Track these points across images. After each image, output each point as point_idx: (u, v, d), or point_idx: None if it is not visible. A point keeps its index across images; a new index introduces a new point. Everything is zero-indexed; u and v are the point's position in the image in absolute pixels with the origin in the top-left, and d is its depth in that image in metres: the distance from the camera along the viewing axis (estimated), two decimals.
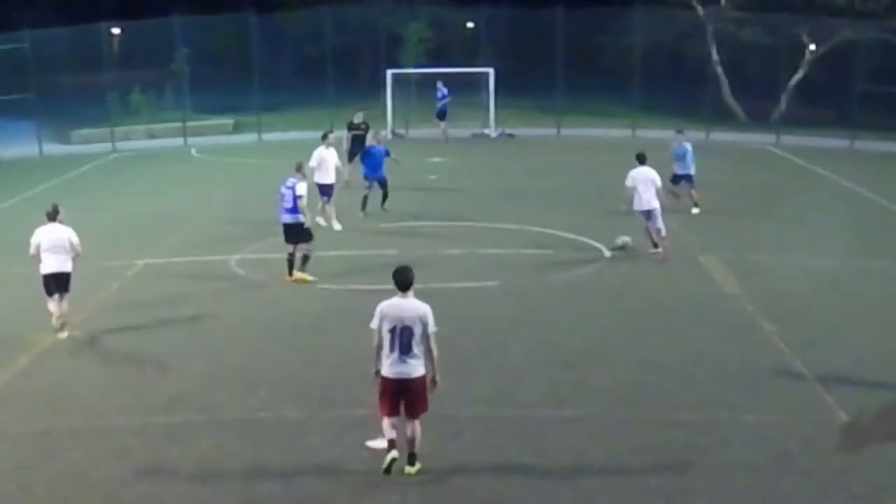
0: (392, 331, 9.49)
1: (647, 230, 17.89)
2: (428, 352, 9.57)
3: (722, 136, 35.73)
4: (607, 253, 18.28)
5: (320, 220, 20.17)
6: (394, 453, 9.62)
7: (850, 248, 18.79)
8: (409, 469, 9.69)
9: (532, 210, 22.00)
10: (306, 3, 41.95)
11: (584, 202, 22.29)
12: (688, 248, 18.80)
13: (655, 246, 17.86)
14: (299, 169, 16.76)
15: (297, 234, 16.38)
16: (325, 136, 20.95)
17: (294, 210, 16.30)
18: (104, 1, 43.31)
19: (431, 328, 9.54)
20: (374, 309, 9.69)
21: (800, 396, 11.71)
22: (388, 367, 9.58)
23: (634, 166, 17.98)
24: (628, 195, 17.82)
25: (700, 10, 39.89)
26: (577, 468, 9.86)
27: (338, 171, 20.79)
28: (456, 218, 21.49)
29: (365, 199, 21.39)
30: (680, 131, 23.13)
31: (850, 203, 23.73)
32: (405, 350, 9.48)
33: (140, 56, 37.58)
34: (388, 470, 9.59)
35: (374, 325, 9.63)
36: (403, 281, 9.62)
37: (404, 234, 19.78)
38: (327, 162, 20.43)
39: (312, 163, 20.14)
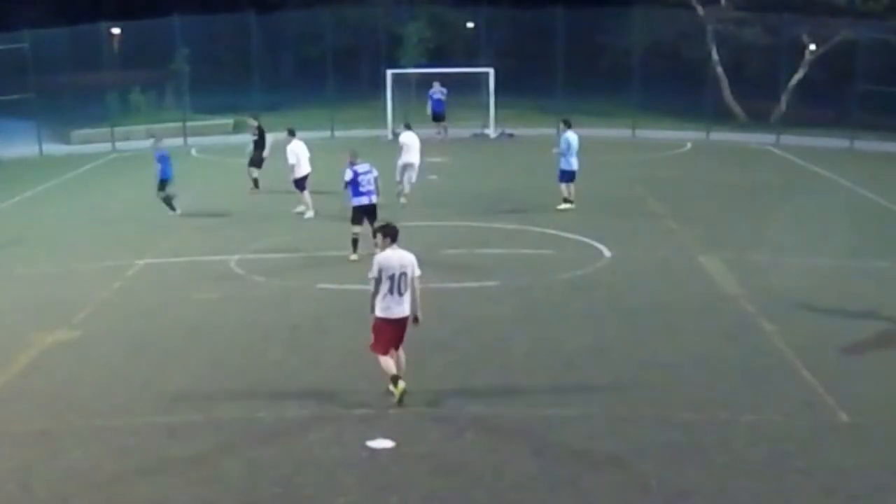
0: (391, 278, 11.06)
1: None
2: (413, 292, 11.18)
3: (722, 136, 35.77)
4: (608, 253, 18.30)
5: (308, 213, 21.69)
6: (402, 384, 11.07)
7: (850, 248, 18.78)
8: (400, 385, 11.16)
9: (532, 210, 22.00)
10: (306, 3, 41.95)
11: (583, 202, 22.24)
12: (688, 248, 18.83)
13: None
14: (356, 156, 17.97)
15: (373, 214, 17.73)
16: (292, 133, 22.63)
17: (376, 192, 17.80)
18: (104, 1, 43.32)
19: (417, 272, 11.23)
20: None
21: (800, 396, 11.70)
22: (388, 309, 11.11)
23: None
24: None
25: (700, 10, 39.84)
26: (577, 468, 9.86)
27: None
28: (456, 218, 21.50)
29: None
30: (566, 121, 22.88)
31: (850, 203, 23.71)
32: (401, 292, 11.10)
33: (140, 56, 37.47)
34: (400, 400, 11.04)
35: (373, 274, 11.13)
36: (394, 234, 11.34)
37: (404, 233, 19.69)
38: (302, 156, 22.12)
39: (293, 159, 21.88)
